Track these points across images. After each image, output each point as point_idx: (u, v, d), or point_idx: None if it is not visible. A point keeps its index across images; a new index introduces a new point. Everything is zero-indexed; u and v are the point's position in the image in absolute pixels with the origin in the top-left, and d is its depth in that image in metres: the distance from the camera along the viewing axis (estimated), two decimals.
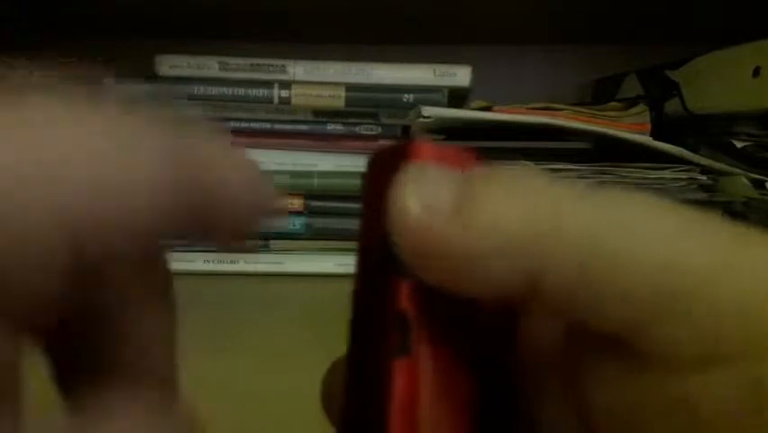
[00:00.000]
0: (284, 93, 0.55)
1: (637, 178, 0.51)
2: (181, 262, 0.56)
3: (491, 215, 0.12)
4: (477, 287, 0.12)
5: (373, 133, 0.55)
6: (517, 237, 0.12)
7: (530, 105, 0.54)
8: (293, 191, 0.56)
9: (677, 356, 0.11)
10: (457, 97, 0.56)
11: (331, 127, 0.55)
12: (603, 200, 0.12)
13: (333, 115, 0.56)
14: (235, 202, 0.12)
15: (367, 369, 0.14)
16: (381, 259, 0.14)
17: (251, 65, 0.56)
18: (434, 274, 0.13)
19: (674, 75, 0.57)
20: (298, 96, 0.55)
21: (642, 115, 0.54)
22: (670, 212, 0.12)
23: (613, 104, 0.55)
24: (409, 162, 0.14)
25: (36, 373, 0.11)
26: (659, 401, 0.12)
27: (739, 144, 0.53)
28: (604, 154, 0.52)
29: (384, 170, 0.15)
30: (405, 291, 0.14)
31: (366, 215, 0.16)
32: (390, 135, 0.55)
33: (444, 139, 0.54)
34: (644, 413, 0.12)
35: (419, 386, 0.13)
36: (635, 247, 0.11)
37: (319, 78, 0.56)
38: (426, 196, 0.13)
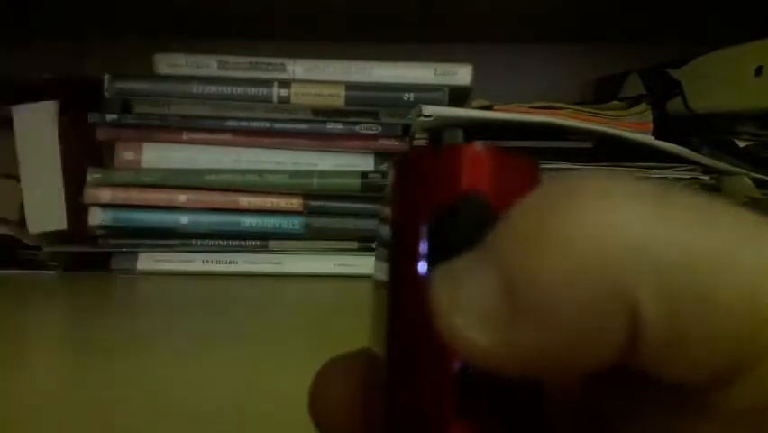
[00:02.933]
0: (283, 92, 0.55)
1: (639, 177, 0.51)
2: (180, 262, 0.56)
3: (549, 294, 0.10)
4: (570, 364, 0.11)
5: (373, 132, 0.55)
6: (594, 296, 0.10)
7: (531, 104, 0.54)
8: (292, 191, 0.55)
9: (755, 411, 0.10)
10: (458, 96, 0.56)
11: (330, 126, 0.55)
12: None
13: (333, 114, 0.55)
14: None
15: (414, 419, 0.13)
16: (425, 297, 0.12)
17: (251, 63, 0.56)
18: (527, 373, 0.11)
19: (676, 74, 0.57)
20: (298, 94, 0.55)
21: (644, 114, 0.54)
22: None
23: (615, 103, 0.55)
24: (460, 177, 0.12)
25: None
26: None
27: (741, 144, 0.52)
28: (606, 153, 0.52)
29: (427, 177, 0.13)
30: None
31: (401, 230, 0.13)
32: (391, 134, 0.55)
33: None
34: None
35: None
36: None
37: (319, 77, 0.56)
38: (473, 309, 0.11)
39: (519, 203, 0.11)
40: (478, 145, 0.13)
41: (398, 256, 0.13)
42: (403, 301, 0.13)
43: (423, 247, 0.13)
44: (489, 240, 0.11)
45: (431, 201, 0.13)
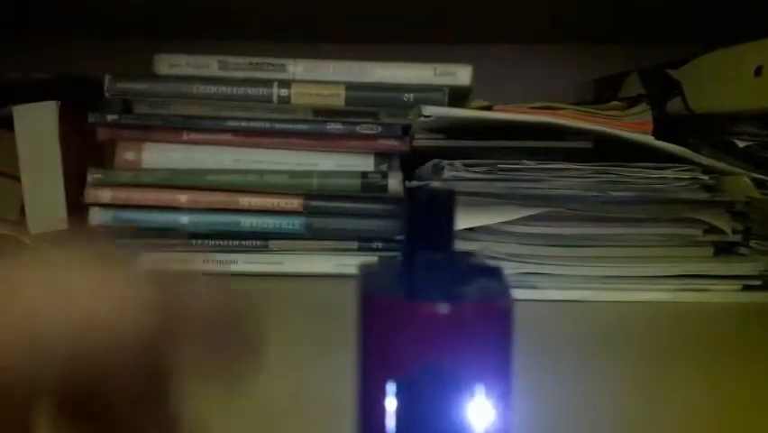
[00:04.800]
0: (283, 92, 0.55)
1: (639, 177, 0.51)
2: (181, 262, 0.56)
3: None
4: None
5: (373, 132, 0.55)
6: None
7: (531, 105, 0.54)
8: (292, 191, 0.55)
9: None
10: (458, 96, 0.56)
11: (331, 126, 0.55)
12: None
13: (333, 114, 0.56)
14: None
15: None
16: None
17: (251, 64, 0.56)
18: None
19: (676, 74, 0.56)
20: (298, 95, 0.55)
21: (643, 114, 0.53)
22: None
23: (615, 103, 0.55)
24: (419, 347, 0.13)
25: None
26: None
27: (741, 144, 0.52)
28: (605, 154, 0.52)
29: (391, 337, 0.14)
30: None
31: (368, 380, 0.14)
32: (391, 135, 0.55)
33: (444, 138, 0.54)
34: None
35: None
36: None
37: (319, 77, 0.56)
38: None
39: None
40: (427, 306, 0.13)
41: (364, 403, 0.14)
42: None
43: (388, 407, 0.14)
44: None
45: (393, 367, 0.13)
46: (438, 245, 0.14)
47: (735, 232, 0.54)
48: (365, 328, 0.14)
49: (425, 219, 0.15)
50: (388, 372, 0.13)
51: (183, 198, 0.55)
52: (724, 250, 0.55)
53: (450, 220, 0.15)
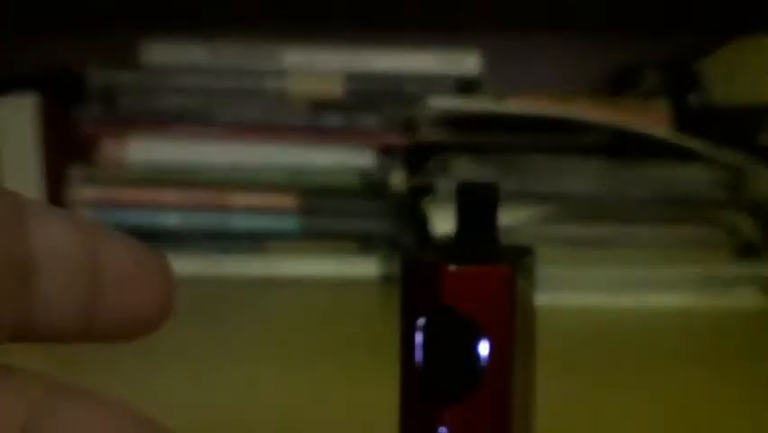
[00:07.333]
0: (279, 83, 0.54)
1: (657, 175, 0.50)
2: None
3: None
4: None
5: (374, 126, 0.54)
6: None
7: (546, 97, 0.53)
8: (287, 189, 0.54)
9: None
10: (465, 87, 0.55)
11: (329, 120, 0.54)
12: None
13: (332, 106, 0.55)
14: None
15: None
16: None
17: (244, 53, 0.56)
18: None
19: (697, 67, 0.56)
20: (294, 86, 0.54)
21: (663, 108, 0.53)
22: None
23: (633, 96, 0.56)
24: (437, 295, 0.17)
25: None
26: None
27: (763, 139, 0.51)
28: (623, 149, 0.51)
29: (416, 291, 0.17)
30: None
31: (405, 324, 0.17)
32: (393, 129, 0.54)
33: (451, 132, 0.53)
34: None
35: None
36: None
37: (316, 67, 0.56)
38: None
39: None
40: (452, 266, 0.17)
41: (404, 342, 0.18)
42: (407, 383, 0.18)
43: (417, 341, 0.17)
44: None
45: (417, 311, 0.17)
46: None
47: (756, 233, 0.53)
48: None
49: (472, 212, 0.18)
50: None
51: (171, 196, 0.54)
52: (745, 252, 0.54)
53: (495, 211, 0.18)
